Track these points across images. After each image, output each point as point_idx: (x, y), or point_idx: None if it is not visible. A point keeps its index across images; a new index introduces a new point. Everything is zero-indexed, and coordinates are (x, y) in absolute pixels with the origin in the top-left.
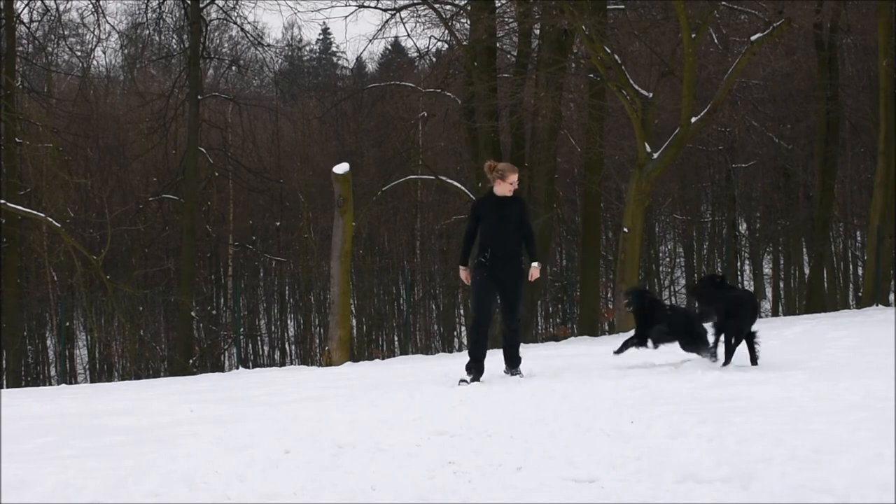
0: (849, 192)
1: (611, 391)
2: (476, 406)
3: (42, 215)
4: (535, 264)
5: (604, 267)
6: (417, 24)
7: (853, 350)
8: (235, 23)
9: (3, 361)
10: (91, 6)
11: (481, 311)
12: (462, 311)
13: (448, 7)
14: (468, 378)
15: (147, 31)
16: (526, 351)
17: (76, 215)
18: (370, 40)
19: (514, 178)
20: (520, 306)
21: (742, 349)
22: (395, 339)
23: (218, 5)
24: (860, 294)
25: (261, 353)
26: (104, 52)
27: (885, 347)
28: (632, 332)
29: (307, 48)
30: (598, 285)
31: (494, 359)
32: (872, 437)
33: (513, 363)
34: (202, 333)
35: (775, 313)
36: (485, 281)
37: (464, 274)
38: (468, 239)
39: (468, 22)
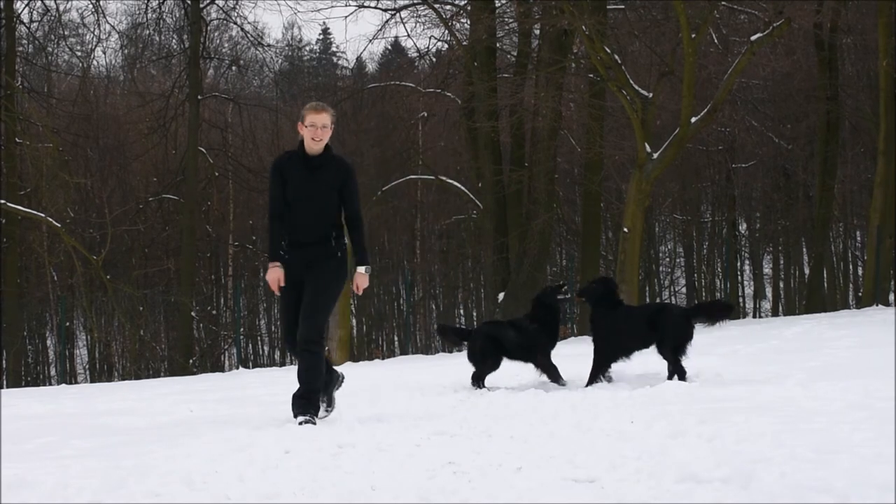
0: (849, 192)
1: (610, 391)
2: (476, 406)
3: (42, 215)
4: (361, 269)
5: (604, 267)
6: (417, 24)
7: (853, 350)
8: (235, 23)
9: (3, 361)
10: (91, 6)
11: (287, 327)
12: (462, 311)
13: (448, 7)
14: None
15: (147, 31)
16: None
17: (76, 215)
18: (370, 40)
19: (317, 118)
20: (320, 314)
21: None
22: (395, 339)
23: (218, 5)
24: (860, 294)
25: (261, 353)
26: (104, 52)
27: (885, 347)
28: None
29: (307, 48)
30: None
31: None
32: (872, 437)
33: (300, 406)
34: (202, 333)
35: (775, 313)
36: (286, 283)
37: (275, 273)
38: (277, 218)
39: (468, 22)
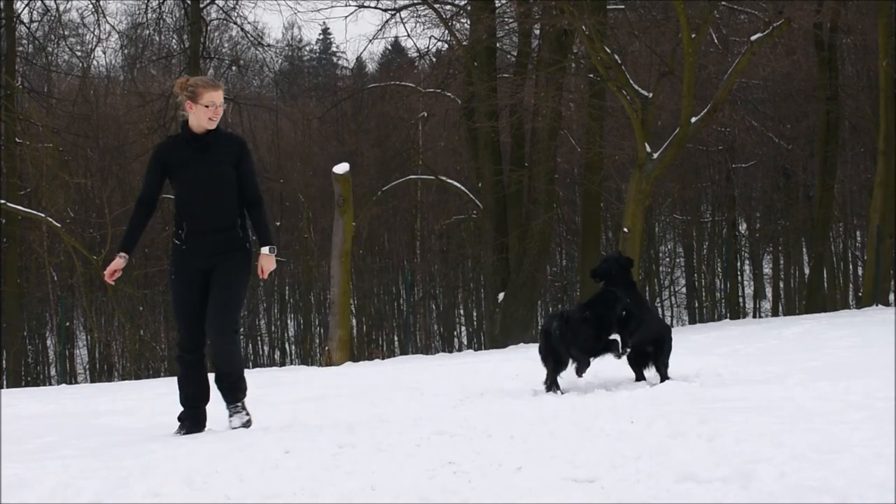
0: (849, 192)
1: (610, 391)
2: (476, 406)
3: (42, 215)
4: (265, 250)
5: None
6: (417, 24)
7: (853, 350)
8: (235, 23)
9: (3, 361)
10: (91, 6)
11: (186, 327)
12: (462, 311)
13: (448, 7)
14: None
15: (147, 31)
16: (527, 350)
17: (76, 215)
18: (370, 40)
19: (216, 96)
20: (233, 306)
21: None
22: (395, 339)
23: (218, 5)
24: (860, 294)
25: (261, 353)
26: (104, 52)
27: (885, 347)
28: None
29: (307, 48)
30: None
31: (493, 359)
32: (872, 437)
33: (230, 393)
34: None
35: (775, 313)
36: (184, 277)
37: (116, 263)
38: (139, 209)
39: (468, 22)
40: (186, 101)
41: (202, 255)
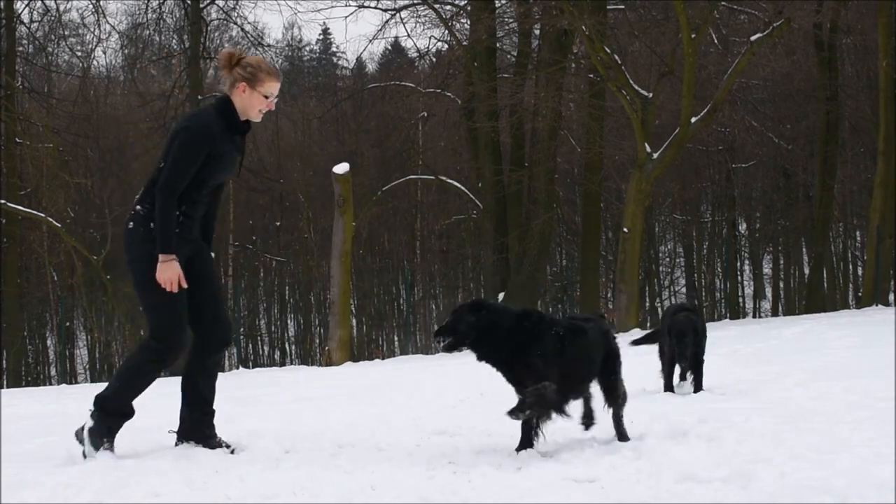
0: (849, 192)
1: None
2: (476, 406)
3: (42, 215)
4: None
5: (604, 267)
6: (417, 25)
7: (853, 350)
8: (235, 23)
9: (3, 361)
10: (91, 6)
11: (183, 326)
12: None
13: (448, 7)
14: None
15: (147, 32)
16: None
17: (76, 215)
18: (370, 40)
19: (275, 88)
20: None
21: None
22: (395, 339)
23: (218, 5)
24: (860, 294)
25: (261, 353)
26: (104, 52)
27: (885, 347)
28: None
29: (307, 48)
30: (598, 285)
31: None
32: (872, 437)
33: (209, 429)
34: None
35: (775, 313)
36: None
37: (177, 269)
38: (175, 202)
39: (468, 22)
40: (241, 81)
41: (190, 242)
